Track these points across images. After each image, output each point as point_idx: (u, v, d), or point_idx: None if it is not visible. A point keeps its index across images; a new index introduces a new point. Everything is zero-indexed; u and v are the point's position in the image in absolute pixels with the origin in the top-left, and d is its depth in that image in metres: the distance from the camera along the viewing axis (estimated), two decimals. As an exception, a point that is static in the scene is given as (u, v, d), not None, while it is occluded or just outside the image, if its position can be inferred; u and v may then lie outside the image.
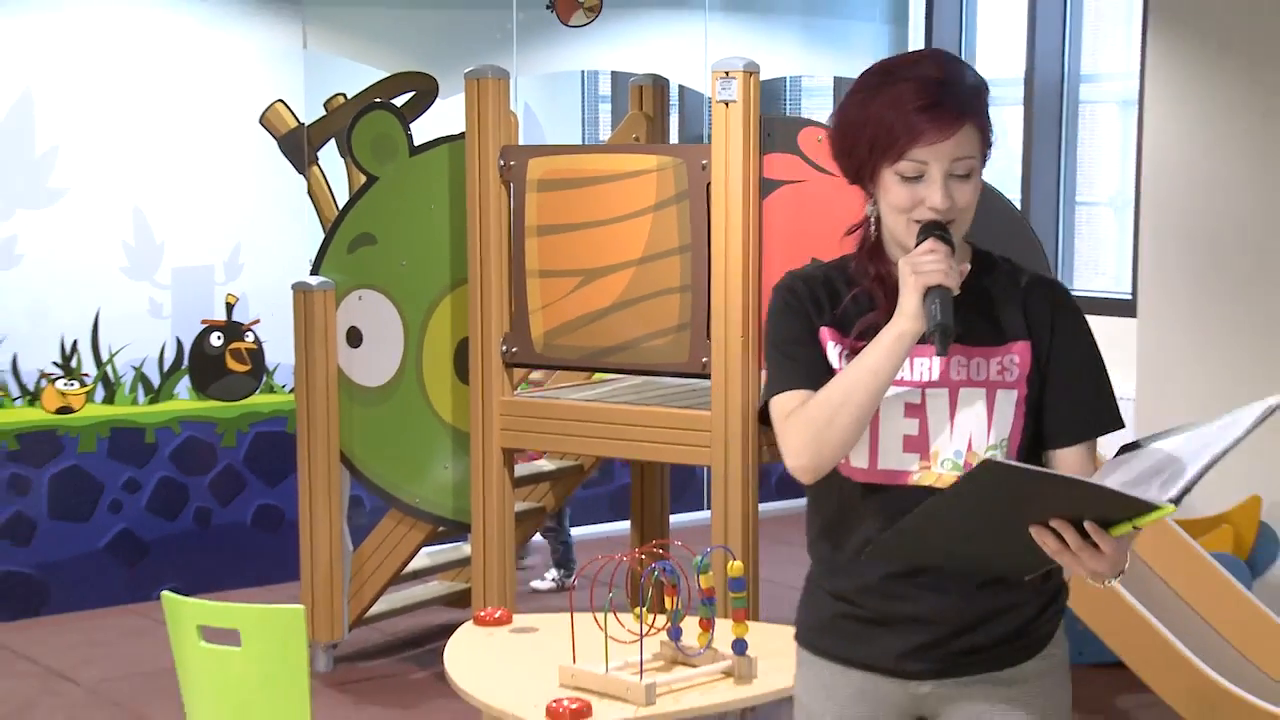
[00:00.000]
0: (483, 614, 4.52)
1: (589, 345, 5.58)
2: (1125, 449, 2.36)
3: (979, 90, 2.41)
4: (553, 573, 7.38)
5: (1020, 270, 2.49)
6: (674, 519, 6.72)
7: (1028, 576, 2.38)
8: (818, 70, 8.92)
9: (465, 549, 6.18)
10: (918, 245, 2.35)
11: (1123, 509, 2.12)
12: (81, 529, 7.11)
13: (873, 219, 2.47)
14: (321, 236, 6.30)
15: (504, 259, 5.68)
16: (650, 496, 6.46)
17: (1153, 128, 7.05)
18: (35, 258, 6.94)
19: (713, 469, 5.33)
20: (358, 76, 7.35)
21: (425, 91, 6.64)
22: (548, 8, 8.06)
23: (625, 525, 6.94)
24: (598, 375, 6.24)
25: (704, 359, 5.30)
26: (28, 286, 6.94)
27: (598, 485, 7.60)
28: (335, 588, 6.06)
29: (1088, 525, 2.13)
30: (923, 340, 2.36)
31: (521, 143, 7.03)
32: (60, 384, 7.04)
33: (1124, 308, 7.41)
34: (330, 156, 7.04)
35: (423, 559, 6.46)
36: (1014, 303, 2.43)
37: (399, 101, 6.22)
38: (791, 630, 4.26)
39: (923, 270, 2.30)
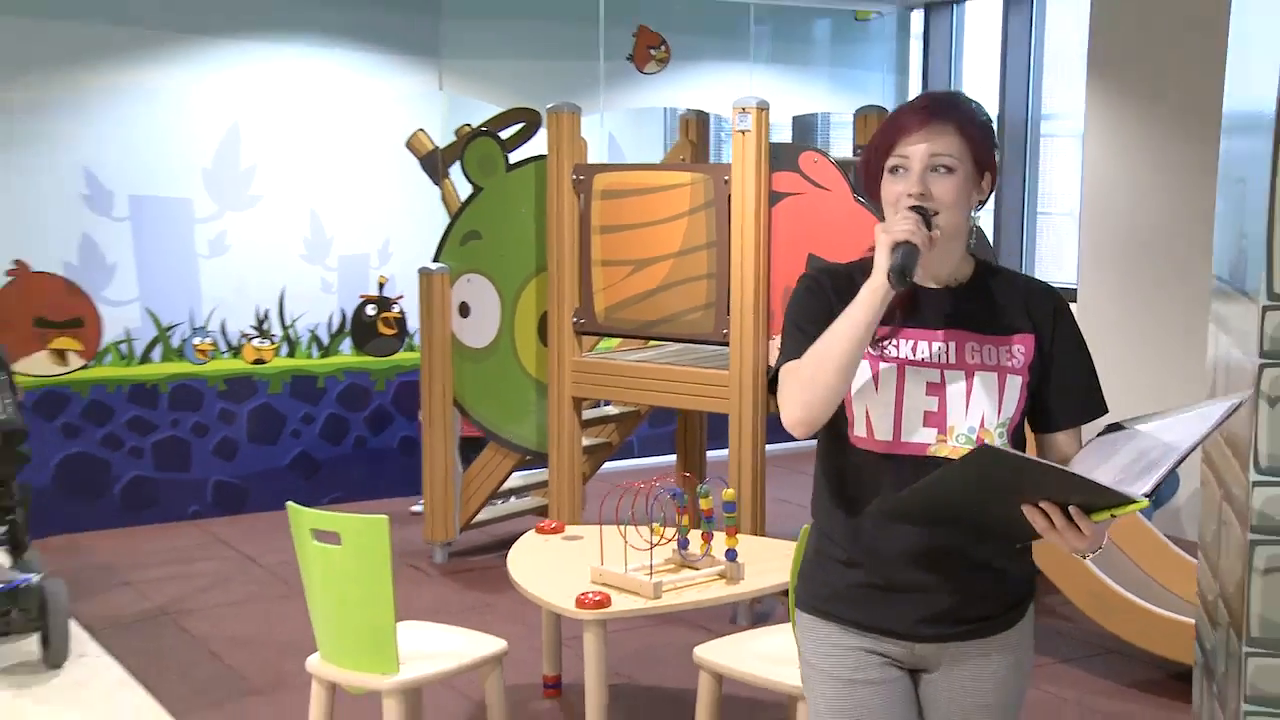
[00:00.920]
0: (542, 525, 4.58)
1: (639, 319, 5.62)
2: (1109, 429, 2.28)
3: (966, 108, 2.29)
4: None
5: (1019, 276, 2.42)
6: (712, 454, 6.73)
7: (1018, 545, 2.30)
8: (842, 108, 8.82)
9: (545, 473, 6.20)
10: None
11: (1104, 499, 2.02)
12: (271, 450, 7.26)
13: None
14: (451, 234, 6.35)
15: (575, 251, 5.73)
16: (692, 436, 6.50)
17: (1091, 155, 7.00)
18: (238, 248, 7.08)
19: (730, 416, 5.35)
20: (479, 111, 7.38)
21: (531, 123, 6.65)
22: (628, 59, 8.08)
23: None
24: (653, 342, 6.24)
25: (725, 330, 5.34)
26: (232, 269, 7.07)
27: (662, 425, 7.58)
28: (449, 500, 6.16)
29: (1073, 510, 2.04)
30: (902, 308, 2.28)
31: (604, 161, 7.09)
32: (255, 342, 7.18)
33: (1070, 295, 7.33)
34: (458, 172, 7.09)
35: (515, 480, 6.52)
36: (1017, 301, 2.32)
37: (510, 131, 6.21)
38: (778, 543, 4.28)
39: (892, 230, 2.17)
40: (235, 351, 7.12)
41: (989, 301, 2.32)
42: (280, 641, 5.19)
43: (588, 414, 6.33)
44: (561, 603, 3.84)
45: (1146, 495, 1.99)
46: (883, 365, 2.29)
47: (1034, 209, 8.26)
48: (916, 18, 8.92)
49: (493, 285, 6.08)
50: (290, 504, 3.91)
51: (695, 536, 4.14)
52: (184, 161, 6.90)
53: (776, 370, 2.34)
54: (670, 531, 4.12)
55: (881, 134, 2.28)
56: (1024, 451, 2.26)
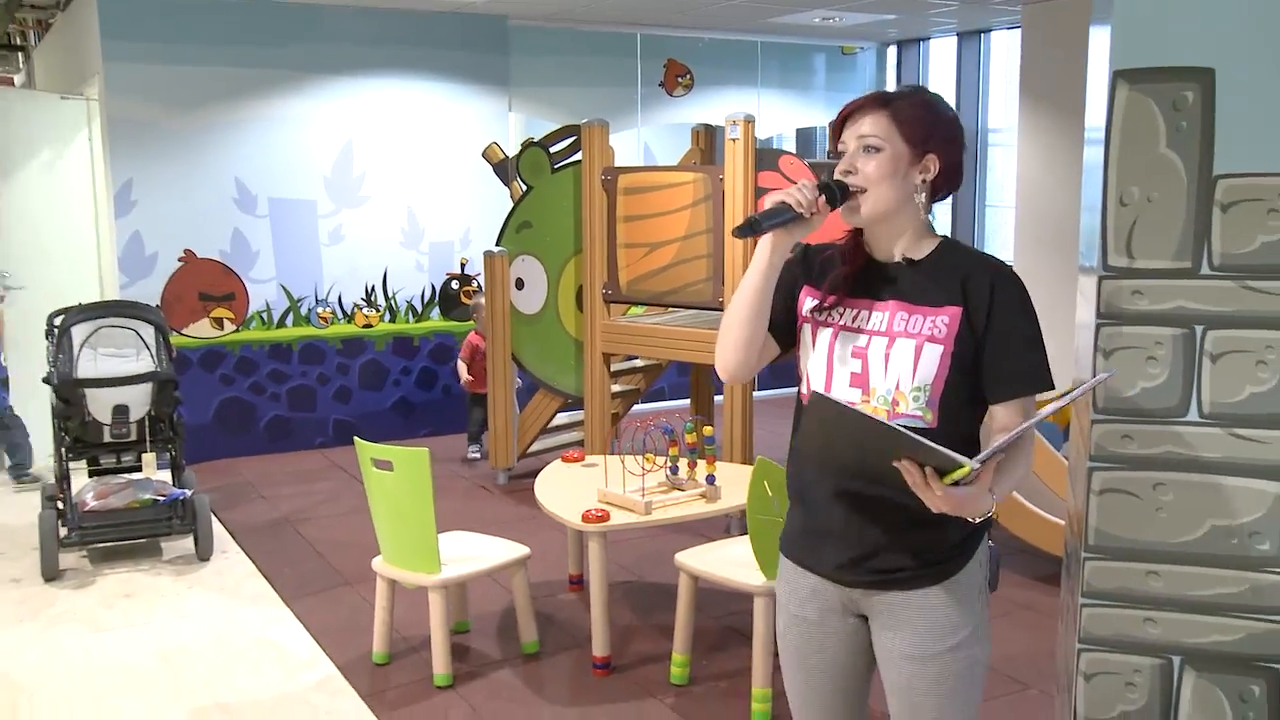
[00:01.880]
0: (567, 455, 4.49)
1: (654, 290, 5.50)
2: None
3: (908, 96, 1.98)
4: (474, 447, 6.81)
5: (973, 253, 2.00)
6: (719, 397, 6.57)
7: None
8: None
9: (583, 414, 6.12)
10: None
11: (934, 458, 1.74)
12: (377, 395, 7.22)
13: None
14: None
15: (604, 236, 5.61)
16: (702, 383, 6.36)
17: (1023, 160, 6.77)
18: (351, 237, 7.02)
19: (723, 367, 5.22)
20: (541, 128, 7.26)
21: (579, 135, 6.51)
22: (659, 85, 7.92)
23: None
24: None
25: (720, 298, 5.19)
26: (346, 254, 7.01)
27: (687, 374, 7.45)
28: (508, 434, 6.08)
29: (928, 471, 1.77)
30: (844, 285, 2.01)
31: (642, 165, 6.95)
32: (364, 311, 7.12)
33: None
34: (524, 176, 7.02)
35: (561, 418, 6.43)
36: (956, 276, 1.93)
37: (564, 144, 6.06)
38: (749, 469, 4.14)
39: (777, 192, 1.96)
40: (349, 318, 7.07)
41: (931, 276, 1.97)
42: (368, 544, 5.09)
43: (619, 366, 6.23)
44: (571, 518, 3.75)
45: (979, 462, 1.75)
46: (821, 330, 2.03)
47: (983, 203, 8.02)
48: (891, 52, 8.67)
49: (541, 264, 5.97)
50: (356, 439, 3.86)
51: (684, 464, 4.03)
52: (309, 170, 6.85)
53: None
54: (662, 460, 4.02)
55: (834, 122, 2.03)
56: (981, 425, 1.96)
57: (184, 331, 6.63)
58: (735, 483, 3.99)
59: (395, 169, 7.06)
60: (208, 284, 6.67)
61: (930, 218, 2.04)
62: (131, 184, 6.41)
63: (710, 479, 3.93)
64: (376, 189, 7.03)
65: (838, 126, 2.01)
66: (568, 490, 4.06)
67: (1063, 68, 6.41)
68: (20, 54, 10.61)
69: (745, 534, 3.75)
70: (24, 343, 6.26)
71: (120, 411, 4.81)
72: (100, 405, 4.80)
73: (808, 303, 2.06)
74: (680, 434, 4.04)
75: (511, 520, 5.46)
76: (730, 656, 3.95)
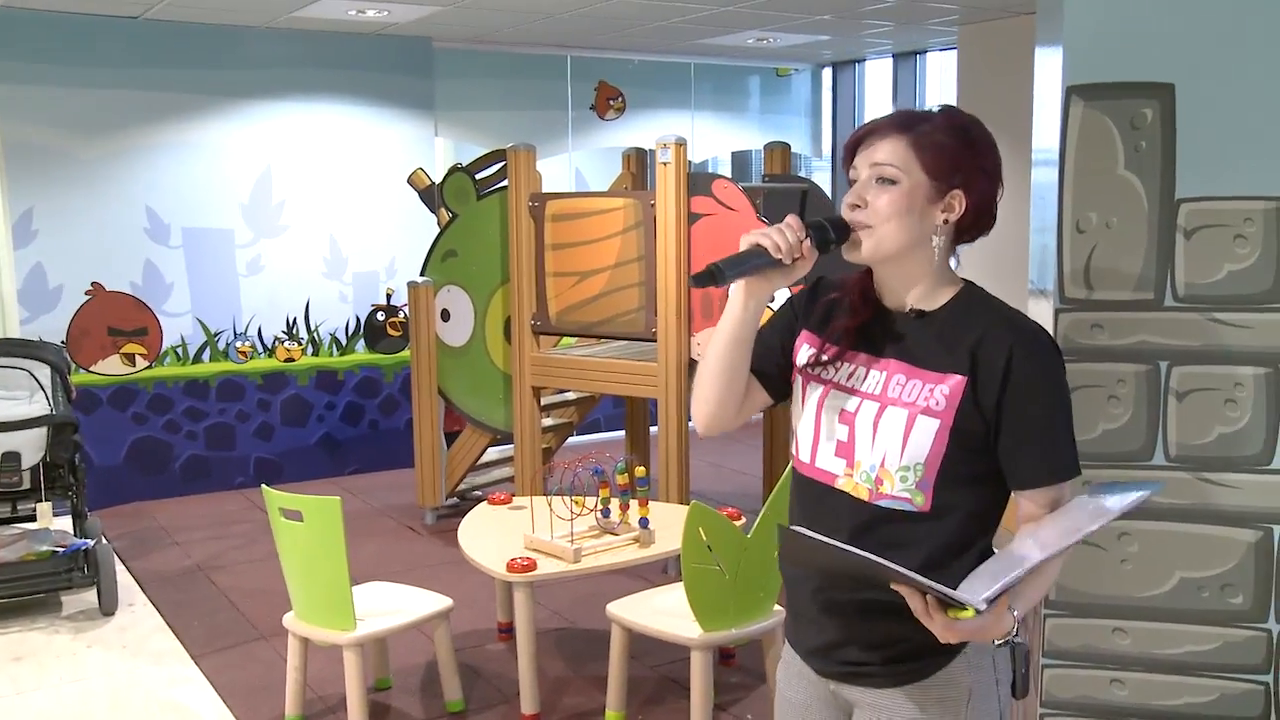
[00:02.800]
0: (493, 496, 4.25)
1: (584, 320, 5.27)
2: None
3: (936, 120, 1.66)
4: None
5: (997, 313, 1.66)
6: (655, 429, 6.37)
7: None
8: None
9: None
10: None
11: (938, 594, 1.49)
12: (301, 431, 6.90)
13: None
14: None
15: (532, 265, 5.38)
16: (637, 416, 6.15)
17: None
18: (271, 267, 6.71)
19: (658, 400, 5.01)
20: (469, 152, 7.04)
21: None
22: (590, 108, 7.73)
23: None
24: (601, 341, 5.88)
25: (653, 329, 4.98)
26: (266, 285, 6.71)
27: (623, 405, 7.25)
28: (436, 471, 5.81)
29: (929, 600, 1.50)
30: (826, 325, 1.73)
31: (573, 190, 6.75)
32: (286, 344, 6.81)
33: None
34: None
35: (493, 453, 6.17)
36: (968, 339, 1.62)
37: (492, 169, 5.81)
38: (684, 509, 3.93)
39: (752, 232, 1.67)
40: (270, 352, 6.76)
41: (941, 334, 1.66)
42: (286, 594, 4.87)
43: (551, 398, 6.00)
44: (496, 567, 3.51)
45: (986, 600, 1.47)
46: (813, 386, 1.75)
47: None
48: (827, 74, 8.56)
49: (467, 294, 5.72)
50: (264, 487, 3.59)
51: (615, 506, 3.81)
52: (226, 198, 6.55)
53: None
54: (591, 502, 3.80)
55: (847, 143, 1.73)
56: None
57: (92, 369, 6.29)
58: (670, 525, 3.76)
59: (316, 196, 6.79)
60: (117, 318, 6.33)
61: (954, 263, 1.75)
62: (32, 213, 6.07)
63: (644, 522, 3.71)
64: (297, 217, 6.74)
65: (850, 150, 1.71)
66: (493, 535, 3.82)
67: (999, 88, 6.31)
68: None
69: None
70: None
71: (10, 458, 4.49)
72: (-11, 452, 4.47)
73: (804, 352, 1.78)
74: (611, 474, 3.82)
75: (439, 563, 5.19)
76: (667, 711, 3.72)
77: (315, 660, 3.92)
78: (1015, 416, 1.61)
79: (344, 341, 6.95)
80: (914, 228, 1.65)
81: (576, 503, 3.74)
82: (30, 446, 4.55)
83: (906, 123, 1.66)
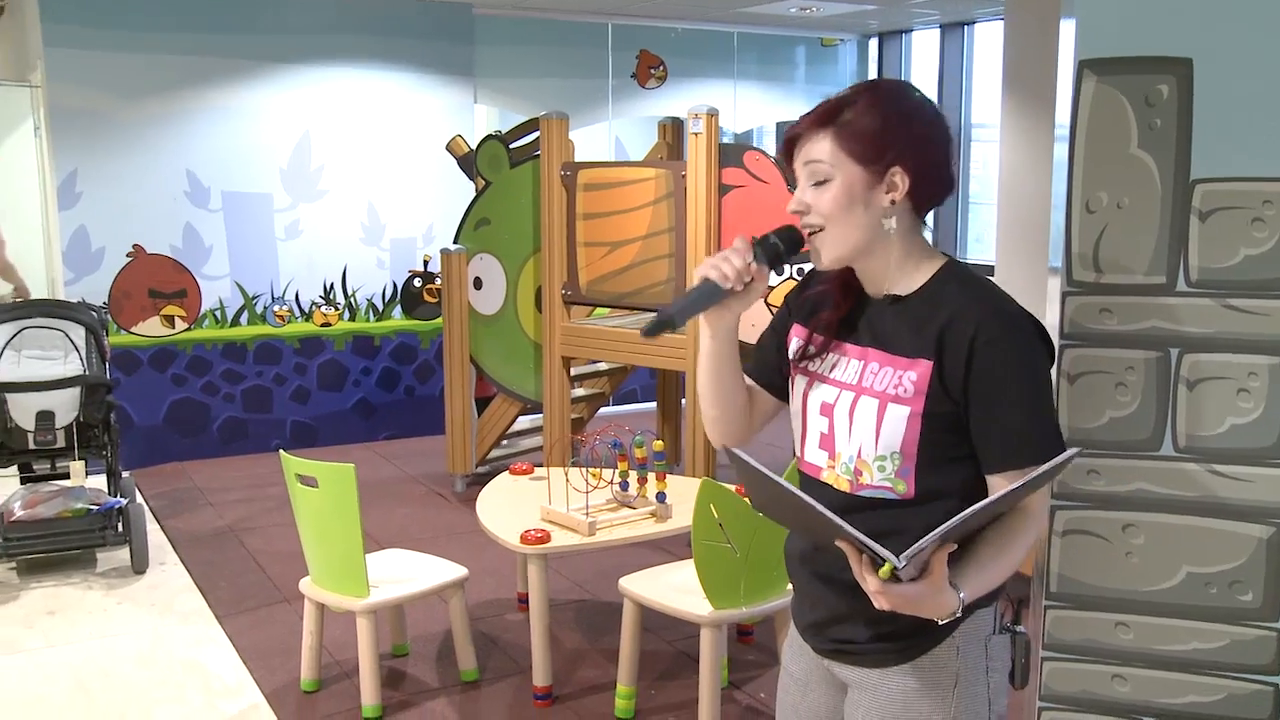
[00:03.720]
0: (515, 466, 4.23)
1: (614, 291, 5.23)
2: None
3: (852, 104, 1.59)
4: None
5: (967, 292, 1.60)
6: (684, 401, 6.34)
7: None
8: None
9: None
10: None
11: (868, 550, 1.45)
12: (337, 395, 6.94)
13: None
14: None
15: (563, 234, 5.34)
16: (668, 388, 6.10)
17: (1005, 156, 6.52)
18: (309, 232, 6.74)
19: (685, 373, 4.97)
20: (508, 120, 7.03)
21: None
22: (631, 77, 7.65)
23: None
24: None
25: (682, 302, 4.92)
26: (305, 250, 6.73)
27: (654, 379, 7.22)
28: (466, 439, 5.82)
29: (864, 560, 1.47)
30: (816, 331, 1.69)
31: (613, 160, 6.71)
32: (323, 309, 6.85)
33: (988, 271, 6.86)
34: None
35: (522, 423, 6.16)
36: (936, 324, 1.57)
37: (529, 138, 5.77)
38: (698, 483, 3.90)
39: (704, 264, 1.64)
40: (307, 316, 6.79)
41: (913, 318, 1.61)
42: (314, 557, 4.93)
43: (583, 369, 5.97)
44: (510, 538, 3.49)
45: (904, 559, 1.42)
46: (798, 378, 1.73)
47: (966, 200, 7.76)
48: (873, 44, 8.40)
49: (499, 263, 5.70)
50: (282, 452, 3.59)
51: (634, 479, 3.78)
52: (265, 163, 6.57)
53: None
54: (609, 475, 3.77)
55: (781, 149, 1.70)
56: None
57: (133, 330, 6.36)
58: (690, 500, 3.70)
59: (355, 162, 6.79)
60: (158, 280, 6.39)
61: (928, 233, 1.69)
62: (76, 175, 6.13)
63: (661, 496, 3.68)
64: (335, 183, 6.75)
65: (787, 153, 1.66)
66: (512, 506, 3.80)
67: (1047, 59, 6.16)
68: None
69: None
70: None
71: (45, 417, 4.55)
72: (23, 411, 4.53)
73: (794, 345, 1.75)
74: (629, 448, 3.79)
75: (465, 531, 5.20)
76: (680, 686, 3.70)
77: (335, 625, 3.94)
78: (981, 399, 1.57)
79: (380, 307, 6.97)
80: (862, 218, 1.61)
81: (594, 475, 3.72)
82: (64, 406, 4.60)
83: (827, 116, 1.61)
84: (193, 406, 6.56)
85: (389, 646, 3.95)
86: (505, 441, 6.01)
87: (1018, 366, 1.56)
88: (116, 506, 4.80)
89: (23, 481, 5.08)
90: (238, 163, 6.49)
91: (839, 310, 1.69)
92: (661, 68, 7.72)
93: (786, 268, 4.84)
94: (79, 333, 4.69)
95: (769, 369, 1.81)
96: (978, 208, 7.79)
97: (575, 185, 5.25)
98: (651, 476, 3.74)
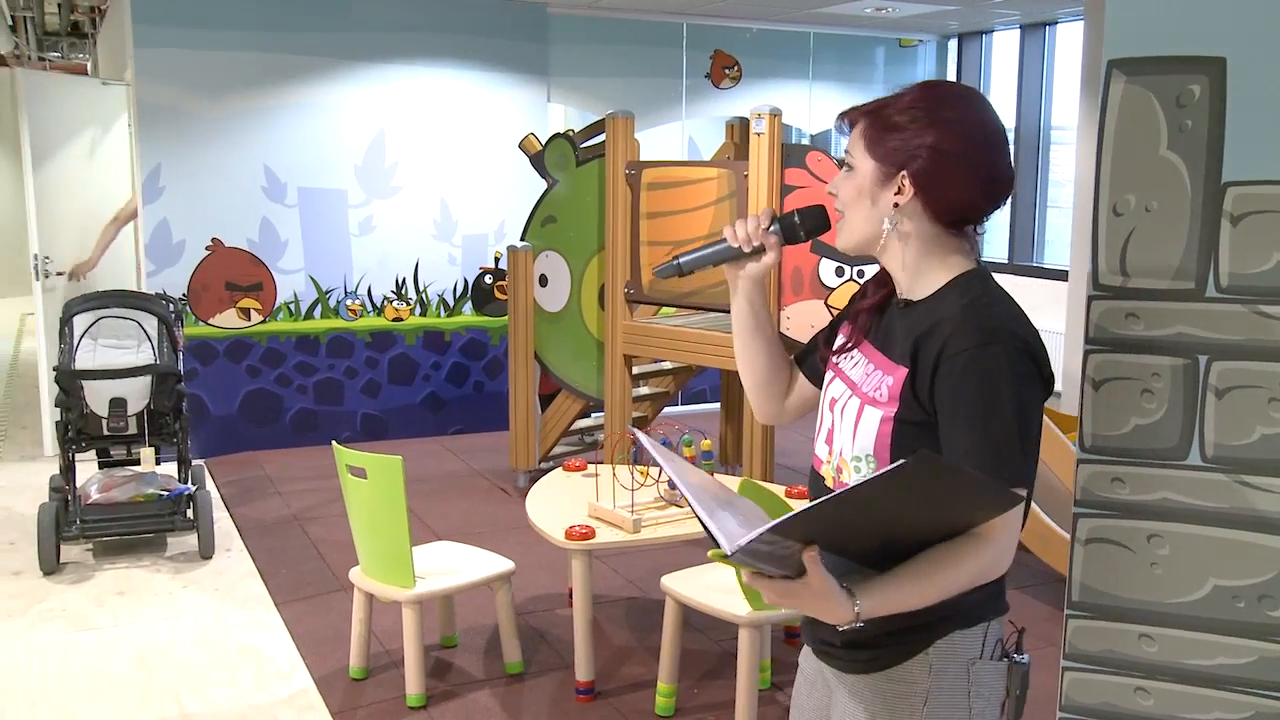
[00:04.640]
0: (569, 463, 4.27)
1: (676, 290, 5.24)
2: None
3: (887, 101, 1.62)
4: None
5: (961, 306, 1.56)
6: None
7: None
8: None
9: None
10: None
11: (707, 531, 1.43)
12: (407, 389, 7.06)
13: None
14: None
15: (627, 234, 5.37)
16: (732, 388, 6.08)
17: (1081, 160, 6.38)
18: (382, 228, 6.86)
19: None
20: (581, 119, 7.11)
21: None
22: (705, 77, 7.65)
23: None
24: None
25: (743, 303, 4.91)
26: (377, 245, 6.86)
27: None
28: (530, 435, 5.88)
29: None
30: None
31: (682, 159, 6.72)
32: (395, 303, 6.97)
33: (1062, 276, 6.72)
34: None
35: (586, 421, 6.20)
36: (917, 334, 1.57)
37: (598, 139, 5.81)
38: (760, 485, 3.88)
39: (725, 227, 1.71)
40: (379, 311, 6.92)
41: (906, 325, 1.62)
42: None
43: (647, 367, 5.99)
44: (555, 533, 3.53)
45: (734, 553, 1.34)
46: (828, 372, 1.76)
47: (1044, 203, 7.62)
48: (952, 45, 8.29)
49: (565, 260, 5.75)
50: (334, 444, 3.68)
51: (682, 477, 3.79)
52: (340, 159, 6.71)
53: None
54: (656, 472, 3.79)
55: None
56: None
57: (210, 321, 6.54)
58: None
59: (428, 159, 6.90)
60: (235, 273, 6.57)
61: (976, 247, 1.66)
62: (160, 170, 6.33)
63: (709, 495, 3.68)
64: (409, 179, 6.87)
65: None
66: (561, 502, 3.84)
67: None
68: (90, 41, 10.71)
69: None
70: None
71: (117, 404, 4.71)
72: (97, 397, 4.70)
73: (839, 339, 1.77)
74: (678, 446, 3.80)
75: (524, 525, 5.20)
76: (723, 686, 3.70)
77: (387, 615, 4.02)
78: (942, 411, 1.54)
79: (451, 303, 7.07)
80: (869, 213, 1.63)
81: (641, 473, 3.74)
82: (136, 393, 4.76)
83: (873, 106, 1.64)
84: (266, 397, 6.73)
85: (439, 637, 4.01)
86: (571, 438, 6.06)
87: (979, 382, 1.50)
88: (186, 493, 4.95)
89: (100, 466, 5.26)
90: (314, 159, 6.64)
91: (870, 300, 1.72)
92: (736, 68, 7.71)
93: (848, 270, 4.81)
94: (152, 323, 4.84)
95: (812, 354, 1.84)
96: (1056, 212, 7.64)
97: (639, 184, 5.28)
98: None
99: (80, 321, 4.74)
